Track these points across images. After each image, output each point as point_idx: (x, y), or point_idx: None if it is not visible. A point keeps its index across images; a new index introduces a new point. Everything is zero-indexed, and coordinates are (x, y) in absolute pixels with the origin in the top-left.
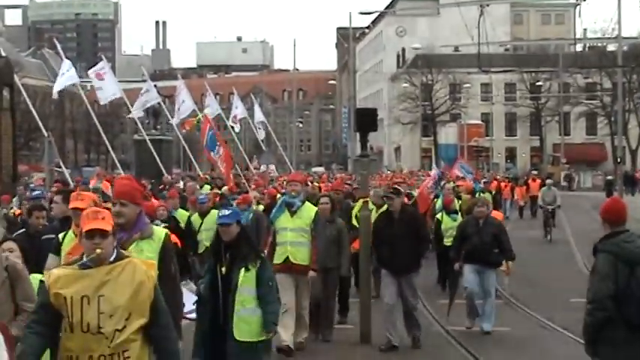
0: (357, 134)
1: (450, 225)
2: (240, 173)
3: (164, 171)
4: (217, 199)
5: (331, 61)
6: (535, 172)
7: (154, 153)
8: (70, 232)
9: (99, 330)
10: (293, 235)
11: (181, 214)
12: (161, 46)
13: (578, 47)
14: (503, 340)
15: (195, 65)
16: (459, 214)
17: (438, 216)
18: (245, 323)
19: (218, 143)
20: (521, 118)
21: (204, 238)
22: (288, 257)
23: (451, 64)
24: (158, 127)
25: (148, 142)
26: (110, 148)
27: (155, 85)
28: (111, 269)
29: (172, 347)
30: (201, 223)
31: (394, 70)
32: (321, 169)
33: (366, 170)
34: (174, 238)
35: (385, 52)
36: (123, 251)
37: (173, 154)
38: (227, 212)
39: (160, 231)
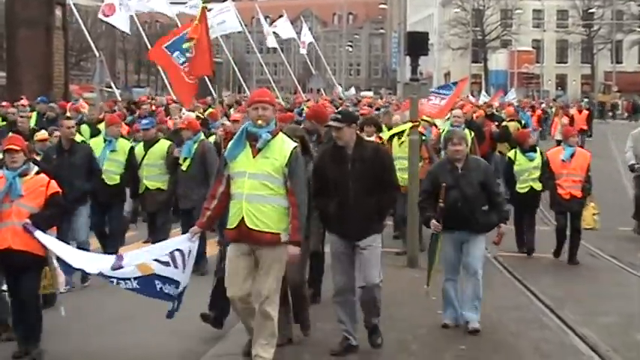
0: (407, 59)
1: (525, 166)
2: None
3: (214, 93)
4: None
5: None
6: (586, 100)
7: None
8: None
9: None
10: (252, 185)
11: (122, 145)
12: None
13: None
14: (552, 267)
15: None
16: (538, 152)
17: (511, 154)
18: None
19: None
20: (572, 45)
21: (145, 176)
22: (243, 219)
23: None
24: None
25: None
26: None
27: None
28: None
29: None
30: (144, 156)
31: None
32: (369, 93)
33: (417, 94)
34: (53, 184)
35: None
36: None
37: (223, 76)
38: None
39: None
